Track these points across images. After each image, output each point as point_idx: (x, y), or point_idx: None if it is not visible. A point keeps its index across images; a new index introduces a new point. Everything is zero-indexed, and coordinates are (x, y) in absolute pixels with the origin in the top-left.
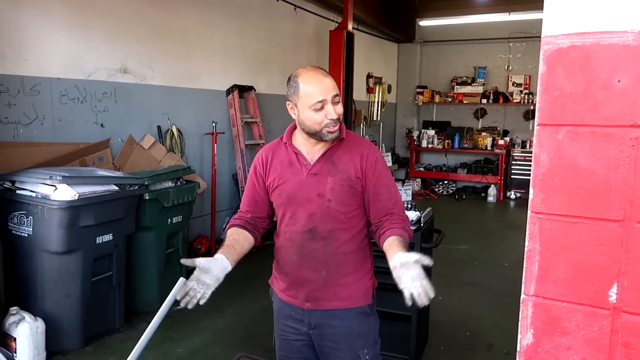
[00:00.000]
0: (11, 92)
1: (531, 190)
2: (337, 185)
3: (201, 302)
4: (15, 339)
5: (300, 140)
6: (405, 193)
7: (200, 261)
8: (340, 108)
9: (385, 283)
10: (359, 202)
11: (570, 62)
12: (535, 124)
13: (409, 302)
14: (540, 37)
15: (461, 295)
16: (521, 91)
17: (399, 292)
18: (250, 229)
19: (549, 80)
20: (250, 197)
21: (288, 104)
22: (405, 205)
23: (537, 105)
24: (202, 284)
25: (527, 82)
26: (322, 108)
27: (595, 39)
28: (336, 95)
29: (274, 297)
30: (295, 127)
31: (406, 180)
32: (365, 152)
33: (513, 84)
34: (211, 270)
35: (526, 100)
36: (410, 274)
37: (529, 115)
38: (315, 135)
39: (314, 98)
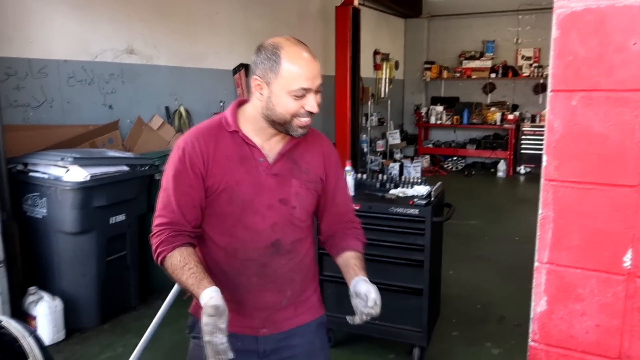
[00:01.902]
0: (19, 75)
1: (544, 158)
2: (302, 190)
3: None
4: (35, 318)
5: (249, 128)
6: (414, 170)
7: (218, 304)
8: (320, 99)
9: (397, 257)
10: (316, 206)
11: (584, 26)
12: (548, 90)
13: (354, 321)
14: (550, 8)
15: (472, 269)
16: (531, 64)
17: (411, 267)
18: (195, 244)
19: (562, 45)
20: (191, 201)
21: (255, 80)
22: (415, 180)
23: (550, 71)
24: (222, 332)
25: (537, 55)
26: (302, 96)
27: (610, 1)
28: (321, 84)
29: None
30: (238, 106)
31: (415, 157)
32: (326, 149)
33: (522, 58)
34: (225, 311)
35: (536, 74)
36: (366, 310)
37: (539, 89)
38: (281, 125)
39: (298, 83)
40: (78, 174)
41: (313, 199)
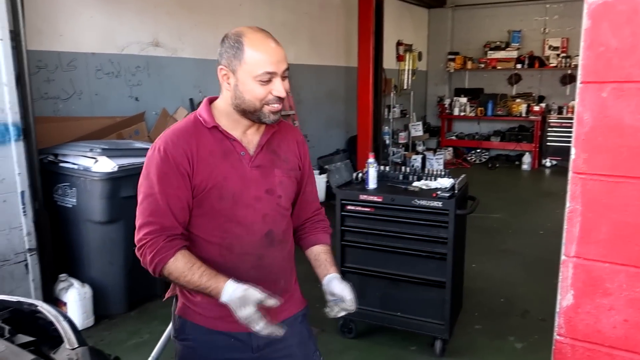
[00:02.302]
0: (49, 68)
1: (573, 150)
2: (285, 178)
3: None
4: (65, 304)
5: (225, 123)
6: (437, 162)
7: (243, 294)
8: (287, 85)
9: (420, 250)
10: (295, 193)
11: (616, 16)
12: (578, 82)
13: (330, 313)
14: None
15: (495, 262)
16: (558, 55)
17: (433, 259)
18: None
19: (594, 35)
20: (179, 202)
21: (221, 70)
22: (438, 173)
23: (579, 62)
24: (260, 318)
25: (565, 45)
26: (268, 81)
27: None
28: (287, 69)
29: (194, 331)
30: (211, 103)
31: (437, 150)
32: (299, 138)
33: (549, 48)
34: (251, 296)
35: (563, 64)
36: (340, 306)
37: (567, 79)
38: (252, 114)
39: (262, 67)
40: (106, 165)
41: (295, 187)
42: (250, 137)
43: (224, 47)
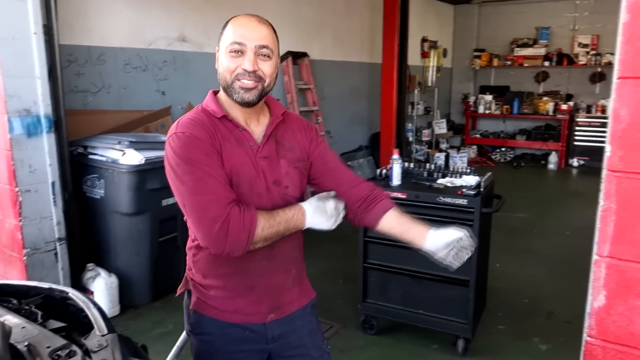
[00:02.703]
0: (80, 62)
1: (607, 148)
2: (290, 168)
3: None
4: (92, 293)
5: (233, 114)
6: (461, 160)
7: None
8: (267, 68)
9: None
10: (305, 184)
11: None
12: (614, 77)
13: (455, 261)
14: None
15: (520, 262)
16: (587, 52)
17: None
18: None
19: (633, 29)
20: (224, 179)
21: (216, 54)
22: (463, 170)
23: (617, 57)
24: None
25: (595, 42)
26: (239, 54)
27: None
28: (264, 47)
29: (210, 325)
30: (216, 94)
31: (461, 148)
32: (303, 124)
33: (579, 45)
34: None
35: (593, 62)
36: (460, 245)
37: (596, 78)
38: (227, 90)
39: (232, 38)
40: (134, 157)
41: (302, 176)
42: (253, 128)
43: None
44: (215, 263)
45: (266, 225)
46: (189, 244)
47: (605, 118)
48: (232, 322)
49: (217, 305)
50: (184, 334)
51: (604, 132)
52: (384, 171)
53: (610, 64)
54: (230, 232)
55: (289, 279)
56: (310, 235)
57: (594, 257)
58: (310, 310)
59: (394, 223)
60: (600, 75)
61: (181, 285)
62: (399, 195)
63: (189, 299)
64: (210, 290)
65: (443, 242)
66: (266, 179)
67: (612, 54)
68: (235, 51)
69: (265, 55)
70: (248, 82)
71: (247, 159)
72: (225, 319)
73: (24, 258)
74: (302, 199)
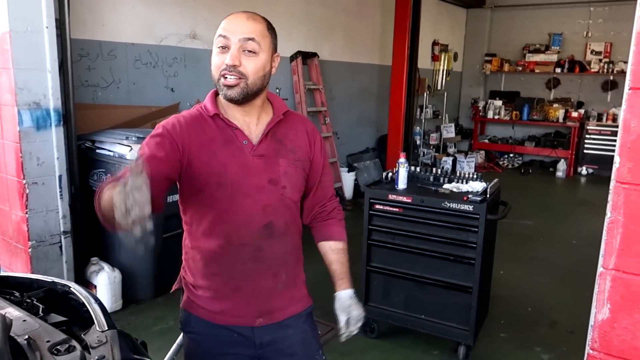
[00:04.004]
0: (91, 56)
1: (617, 159)
2: (290, 169)
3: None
4: (95, 287)
5: (228, 112)
6: (468, 165)
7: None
8: (251, 65)
9: (447, 253)
10: (304, 185)
11: None
12: (626, 87)
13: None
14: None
15: (524, 270)
16: (600, 60)
17: (461, 263)
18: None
19: None
20: (156, 175)
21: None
22: (469, 176)
23: (629, 67)
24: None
25: (608, 50)
26: (226, 50)
27: None
28: (249, 39)
29: (198, 324)
30: (217, 94)
31: (469, 152)
32: (309, 128)
33: (592, 52)
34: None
35: (606, 70)
36: (351, 326)
37: (608, 86)
38: (217, 88)
39: (218, 32)
40: None
41: (302, 178)
42: (252, 127)
43: None
44: (202, 262)
45: (107, 198)
46: (183, 241)
47: (616, 127)
48: (220, 324)
49: (204, 305)
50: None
51: (615, 140)
52: (390, 174)
53: (622, 72)
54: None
55: (279, 282)
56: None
57: (600, 269)
58: (305, 319)
59: (332, 258)
60: (613, 84)
61: (176, 282)
62: (404, 199)
63: (182, 297)
64: (198, 289)
65: (339, 312)
66: (260, 177)
67: (625, 62)
68: (221, 46)
69: (250, 51)
70: (230, 79)
71: (232, 160)
72: (212, 319)
73: (29, 250)
74: (300, 202)
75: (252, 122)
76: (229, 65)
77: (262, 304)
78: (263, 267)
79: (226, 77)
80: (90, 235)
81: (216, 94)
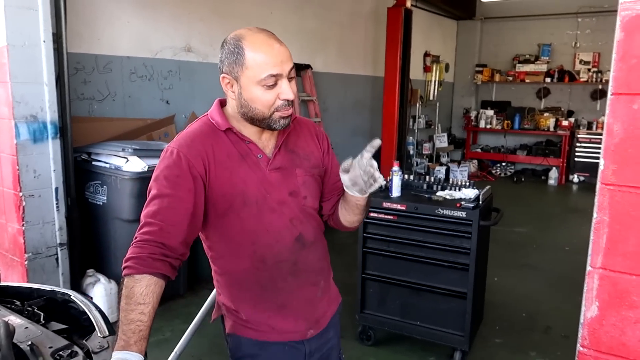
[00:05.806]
0: (87, 70)
1: (601, 162)
2: (308, 177)
3: None
4: (92, 298)
5: (238, 126)
6: (461, 174)
7: None
8: (294, 86)
9: (442, 259)
10: (321, 190)
11: None
12: (609, 93)
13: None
14: (613, 11)
15: (518, 277)
16: (589, 69)
17: (455, 270)
18: (172, 277)
19: (626, 47)
20: (186, 219)
21: (224, 78)
22: (462, 183)
23: (611, 74)
24: None
25: (596, 59)
26: (274, 85)
27: None
28: (292, 68)
29: (250, 346)
30: (222, 106)
31: (462, 162)
32: (316, 130)
33: (580, 62)
34: None
35: (594, 79)
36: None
37: (597, 94)
38: (261, 122)
39: (266, 70)
40: (137, 165)
41: (319, 185)
42: (265, 141)
43: (224, 53)
44: (240, 286)
45: (127, 294)
46: (213, 267)
47: None
48: (271, 341)
49: (253, 326)
50: (181, 341)
51: None
52: (384, 183)
53: None
54: (127, 254)
55: (318, 290)
56: None
57: (588, 268)
58: (339, 316)
59: (344, 207)
60: (601, 92)
61: (214, 310)
62: (398, 206)
63: (224, 324)
64: (242, 313)
65: (351, 172)
66: (280, 191)
67: None
68: (271, 84)
69: (292, 77)
70: (288, 111)
71: (251, 175)
72: (264, 338)
73: (25, 262)
74: (318, 207)
75: (264, 135)
76: (289, 100)
77: (309, 315)
78: (302, 279)
79: (282, 110)
80: (87, 247)
81: (221, 105)
